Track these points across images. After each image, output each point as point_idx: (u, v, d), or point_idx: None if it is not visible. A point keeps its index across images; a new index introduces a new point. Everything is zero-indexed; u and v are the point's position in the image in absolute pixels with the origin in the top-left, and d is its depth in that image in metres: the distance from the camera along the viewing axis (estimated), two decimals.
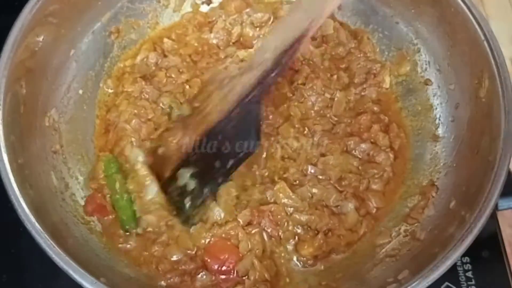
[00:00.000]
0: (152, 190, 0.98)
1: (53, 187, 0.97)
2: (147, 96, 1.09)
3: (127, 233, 0.99)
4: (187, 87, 1.10)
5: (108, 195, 1.00)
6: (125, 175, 1.01)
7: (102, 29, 1.13)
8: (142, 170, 1.00)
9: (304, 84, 1.09)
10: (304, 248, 0.97)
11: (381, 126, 1.08)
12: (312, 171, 1.03)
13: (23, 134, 0.94)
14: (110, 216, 1.00)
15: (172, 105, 1.08)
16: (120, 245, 0.98)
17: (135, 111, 1.06)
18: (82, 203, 1.00)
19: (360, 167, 1.04)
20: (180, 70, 1.13)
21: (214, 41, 1.16)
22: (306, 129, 1.06)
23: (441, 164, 1.03)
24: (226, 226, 0.97)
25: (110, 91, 1.13)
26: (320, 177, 1.02)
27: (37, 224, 0.82)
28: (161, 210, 0.98)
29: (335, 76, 1.10)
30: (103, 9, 1.13)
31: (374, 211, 1.02)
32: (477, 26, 0.95)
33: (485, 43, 0.94)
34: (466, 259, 1.05)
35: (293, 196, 1.00)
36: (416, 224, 0.99)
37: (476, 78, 0.97)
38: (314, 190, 1.01)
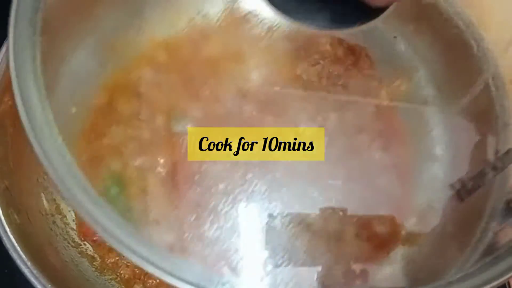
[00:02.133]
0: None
1: (43, 209, 0.95)
2: (141, 116, 1.06)
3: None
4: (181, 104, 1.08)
5: None
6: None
7: (95, 44, 1.10)
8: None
9: None
10: None
11: (380, 144, 1.05)
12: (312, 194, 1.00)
13: (12, 155, 0.92)
14: None
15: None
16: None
17: (129, 131, 1.04)
18: (73, 225, 0.98)
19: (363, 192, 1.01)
20: (174, 85, 1.11)
21: (210, 55, 1.14)
22: None
23: (439, 186, 1.01)
24: None
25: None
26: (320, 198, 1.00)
27: (21, 253, 0.79)
28: None
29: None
30: (96, 24, 1.09)
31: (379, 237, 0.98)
32: (473, 43, 0.93)
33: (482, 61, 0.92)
34: None
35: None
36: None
37: None
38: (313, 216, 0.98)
